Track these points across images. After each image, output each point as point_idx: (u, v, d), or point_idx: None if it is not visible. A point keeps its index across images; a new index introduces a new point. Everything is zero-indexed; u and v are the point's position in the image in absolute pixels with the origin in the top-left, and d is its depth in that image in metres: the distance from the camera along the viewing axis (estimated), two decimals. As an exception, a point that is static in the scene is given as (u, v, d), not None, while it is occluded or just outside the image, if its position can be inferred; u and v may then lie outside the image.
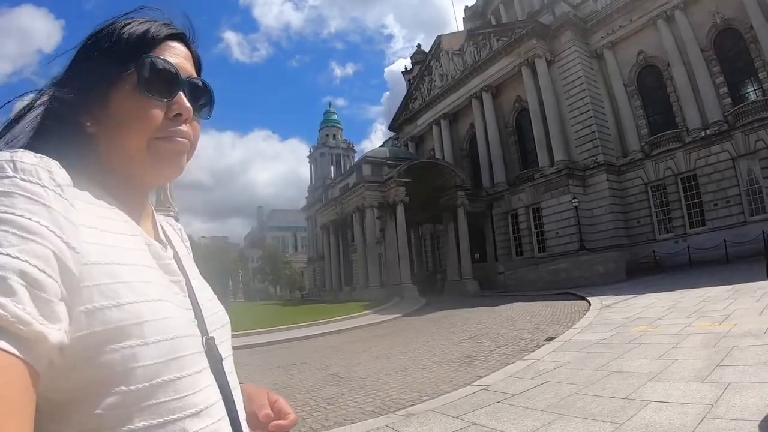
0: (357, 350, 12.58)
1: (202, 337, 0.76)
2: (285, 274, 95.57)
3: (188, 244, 1.04)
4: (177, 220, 1.13)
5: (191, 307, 0.79)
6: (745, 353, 6.24)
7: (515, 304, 18.75)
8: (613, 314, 12.13)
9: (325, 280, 46.72)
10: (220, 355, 0.79)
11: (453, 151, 42.63)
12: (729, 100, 26.94)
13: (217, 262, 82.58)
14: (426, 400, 6.51)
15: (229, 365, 0.82)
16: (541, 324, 12.89)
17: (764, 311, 9.00)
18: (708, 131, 26.88)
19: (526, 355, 8.77)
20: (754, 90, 26.43)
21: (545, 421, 4.80)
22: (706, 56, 27.55)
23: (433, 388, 7.27)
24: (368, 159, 36.01)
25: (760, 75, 25.95)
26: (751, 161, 25.25)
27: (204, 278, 0.93)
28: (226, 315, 0.91)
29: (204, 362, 0.73)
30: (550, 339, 10.09)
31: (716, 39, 27.60)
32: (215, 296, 0.91)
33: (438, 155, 42.91)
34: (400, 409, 6.23)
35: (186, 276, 0.84)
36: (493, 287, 31.02)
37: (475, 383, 7.07)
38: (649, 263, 26.43)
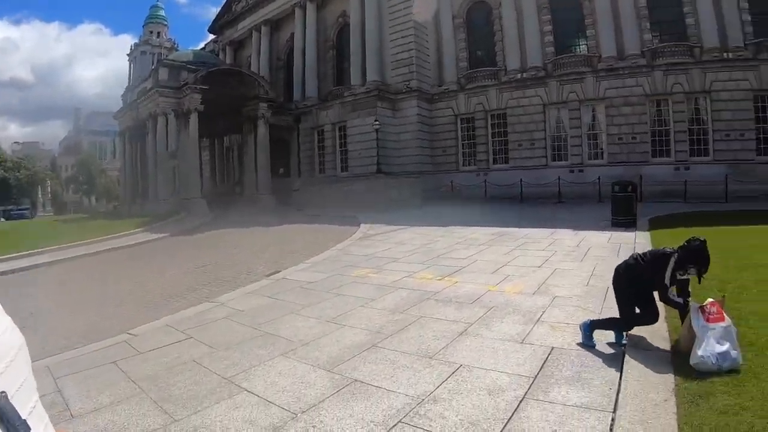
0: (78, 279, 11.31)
1: None
2: (100, 184, 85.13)
3: None
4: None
5: None
6: (424, 330, 5.21)
7: (294, 225, 18.39)
8: (361, 248, 11.28)
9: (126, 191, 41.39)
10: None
11: (270, 61, 39.23)
12: (552, 49, 26.95)
13: (26, 172, 71.22)
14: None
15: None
16: (290, 252, 11.90)
17: (501, 269, 8.27)
18: (525, 74, 27.08)
19: (226, 293, 7.77)
20: (578, 45, 26.79)
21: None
22: (539, 3, 27.19)
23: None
24: (166, 62, 31.93)
25: (588, 33, 26.39)
26: (561, 110, 26.11)
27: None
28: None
29: None
30: (273, 274, 8.97)
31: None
32: None
33: (255, 64, 39.27)
34: None
35: None
36: (288, 204, 29.52)
37: (127, 332, 5.85)
38: (447, 193, 26.72)
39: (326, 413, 3.33)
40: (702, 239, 4.17)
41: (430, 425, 3.09)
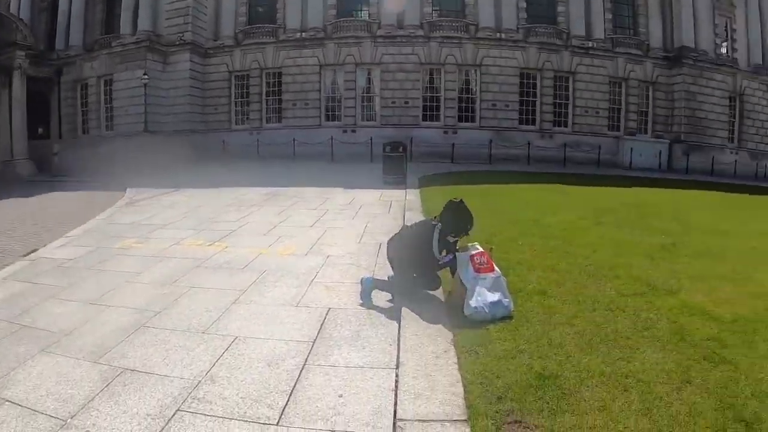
0: None
1: None
2: None
3: None
4: None
5: None
6: (195, 302, 4.88)
7: (54, 194, 15.69)
8: (127, 216, 10.00)
9: None
10: None
11: (33, 1, 31.16)
12: (334, 12, 26.87)
13: None
14: None
15: None
16: (48, 226, 9.89)
17: (273, 230, 8.21)
18: (304, 34, 26.71)
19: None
20: (360, 11, 27.21)
21: None
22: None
23: None
24: None
25: (370, 0, 26.81)
26: (338, 72, 26.55)
27: None
28: None
29: None
30: (29, 253, 7.50)
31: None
32: None
33: (14, 3, 30.69)
34: None
35: None
36: (49, 170, 24.80)
37: None
38: (219, 152, 25.39)
39: (98, 414, 2.89)
40: (459, 200, 4.53)
41: (211, 409, 2.91)
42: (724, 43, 28.52)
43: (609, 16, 26.90)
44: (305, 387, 3.15)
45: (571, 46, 25.92)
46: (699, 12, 26.70)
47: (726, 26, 28.43)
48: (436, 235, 4.42)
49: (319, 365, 3.43)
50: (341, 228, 8.30)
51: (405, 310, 4.25)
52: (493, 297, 4.00)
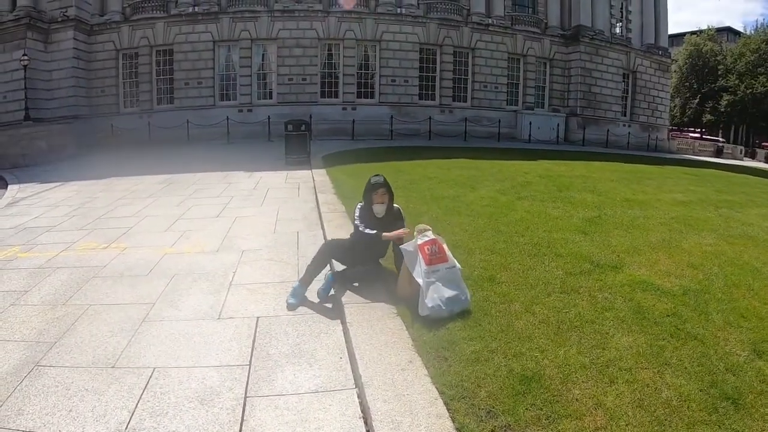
0: None
1: None
2: None
3: None
4: None
5: None
6: (96, 324, 3.88)
7: None
8: (9, 219, 8.28)
9: None
10: None
11: None
12: None
13: None
14: None
15: None
16: None
17: (176, 224, 7.22)
18: (197, 8, 24.55)
19: None
20: None
21: None
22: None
23: None
24: None
25: None
26: (232, 48, 24.84)
27: None
28: None
29: None
30: None
31: None
32: None
33: None
34: None
35: None
36: None
37: None
38: (108, 138, 23.07)
39: None
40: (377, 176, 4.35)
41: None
42: (619, 23, 30.35)
43: (509, -6, 27.53)
44: (254, 429, 2.53)
45: (472, 23, 26.17)
46: (596, -8, 28.08)
47: (621, 7, 30.26)
48: (356, 212, 4.27)
49: (264, 396, 2.80)
50: (251, 217, 7.52)
51: (349, 311, 3.71)
52: (450, 292, 3.59)
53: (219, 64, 25.01)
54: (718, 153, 34.01)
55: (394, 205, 4.40)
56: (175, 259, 5.46)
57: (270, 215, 7.53)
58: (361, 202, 4.38)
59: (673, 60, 36.08)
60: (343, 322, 3.64)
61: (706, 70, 47.26)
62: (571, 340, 3.30)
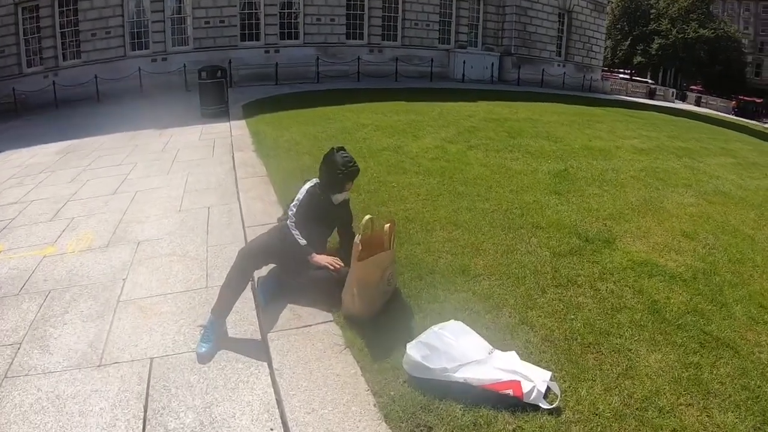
0: None
1: None
2: None
3: None
4: None
5: None
6: None
7: None
8: None
9: None
10: None
11: None
12: None
13: None
14: None
15: None
16: None
17: (64, 209, 5.60)
18: None
19: None
20: None
21: None
22: None
23: None
24: None
25: None
26: None
27: None
28: None
29: None
30: None
31: None
32: None
33: None
34: None
35: None
36: None
37: None
38: (10, 104, 20.05)
39: None
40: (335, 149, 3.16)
41: None
42: (556, -38, 29.28)
43: (441, -74, 25.87)
44: None
45: (402, -44, 24.54)
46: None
47: (558, -56, 29.17)
48: (300, 196, 3.09)
49: None
50: (154, 189, 6.07)
51: (276, 349, 2.61)
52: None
53: (129, 11, 22.03)
54: (651, 95, 34.86)
55: None
56: (56, 263, 4.02)
57: (177, 186, 6.07)
58: (312, 179, 3.21)
59: (608, 1, 35.80)
60: (270, 363, 2.56)
61: (638, 12, 47.58)
62: (591, 368, 2.46)
